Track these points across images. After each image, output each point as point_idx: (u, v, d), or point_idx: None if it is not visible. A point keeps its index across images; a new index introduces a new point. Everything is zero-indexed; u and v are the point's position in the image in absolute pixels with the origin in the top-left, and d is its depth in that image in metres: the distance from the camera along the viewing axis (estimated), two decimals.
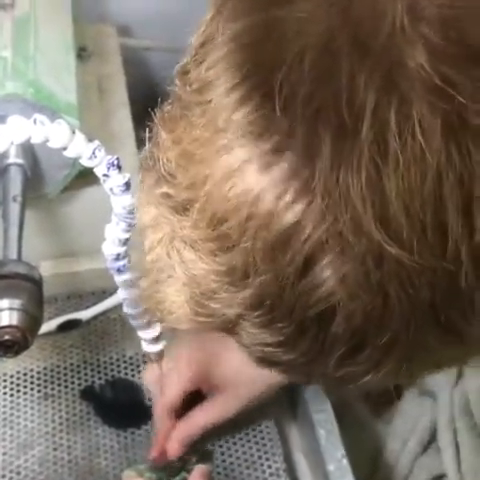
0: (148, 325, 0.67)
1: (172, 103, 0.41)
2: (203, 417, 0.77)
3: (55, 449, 0.81)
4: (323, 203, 0.34)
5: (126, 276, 0.65)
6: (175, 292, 0.41)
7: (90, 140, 0.61)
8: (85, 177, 0.88)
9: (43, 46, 0.85)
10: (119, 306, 0.91)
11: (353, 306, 0.35)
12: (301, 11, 0.35)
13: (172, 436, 0.77)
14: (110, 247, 0.64)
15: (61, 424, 0.83)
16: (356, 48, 0.34)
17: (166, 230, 0.40)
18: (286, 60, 0.35)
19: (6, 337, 0.66)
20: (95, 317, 0.92)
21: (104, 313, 0.92)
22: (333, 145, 0.34)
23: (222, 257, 0.37)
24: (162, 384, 0.76)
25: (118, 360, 0.88)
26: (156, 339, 0.68)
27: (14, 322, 0.66)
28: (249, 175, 0.36)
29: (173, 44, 1.18)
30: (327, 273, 0.35)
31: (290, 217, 0.35)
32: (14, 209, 0.75)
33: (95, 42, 1.05)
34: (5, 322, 0.66)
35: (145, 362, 0.87)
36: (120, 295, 0.66)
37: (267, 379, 0.78)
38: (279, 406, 0.82)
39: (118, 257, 0.64)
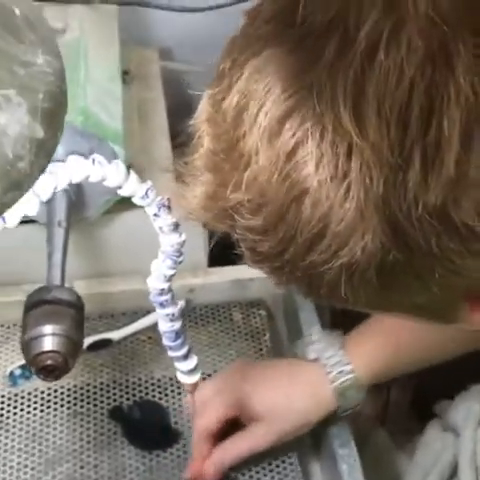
0: (185, 357, 0.70)
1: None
2: (239, 445, 0.80)
3: (82, 467, 0.83)
4: (314, 96, 0.41)
5: (168, 310, 0.68)
6: (199, 183, 0.47)
7: (143, 180, 0.64)
8: (124, 202, 0.90)
9: (92, 72, 0.88)
10: (149, 328, 0.94)
11: (320, 192, 0.41)
12: None
13: (208, 461, 0.79)
14: (155, 282, 0.66)
15: (89, 442, 0.85)
16: None
17: (206, 128, 0.47)
18: None
19: (48, 362, 0.69)
20: (125, 338, 0.94)
21: (134, 334, 0.94)
22: (335, 49, 0.41)
23: (235, 144, 0.44)
24: (202, 409, 0.79)
25: (146, 382, 0.90)
26: (192, 371, 0.70)
27: (56, 347, 0.69)
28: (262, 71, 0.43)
29: (214, 64, 1.20)
30: (307, 158, 0.41)
31: (286, 106, 0.42)
32: (59, 234, 0.78)
33: (137, 66, 1.07)
34: (48, 347, 0.69)
35: (172, 385, 0.89)
36: (160, 328, 0.69)
37: (305, 415, 0.81)
38: (302, 439, 0.84)
39: (162, 292, 0.66)
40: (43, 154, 0.34)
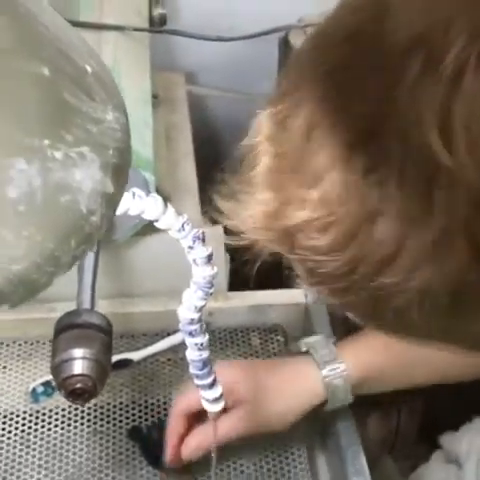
0: (211, 386, 0.71)
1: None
2: (219, 426, 0.78)
3: None
4: (398, 115, 0.40)
5: (197, 340, 0.69)
6: (255, 201, 0.46)
7: (179, 213, 0.65)
8: (148, 225, 0.92)
9: (125, 98, 0.89)
10: (169, 350, 0.96)
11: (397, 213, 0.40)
12: None
13: (188, 439, 0.81)
14: (185, 312, 0.68)
15: (107, 461, 0.87)
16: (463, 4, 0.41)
17: (266, 146, 0.46)
18: None
19: (78, 385, 0.71)
20: (145, 359, 0.96)
21: (154, 355, 0.96)
22: (420, 69, 0.40)
23: (304, 163, 0.43)
24: (187, 389, 0.81)
25: (165, 403, 0.92)
26: (217, 400, 0.72)
27: (86, 371, 0.70)
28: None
29: (238, 91, 1.23)
30: (383, 178, 0.40)
31: (363, 125, 0.41)
32: (89, 258, 0.80)
33: (164, 89, 1.09)
34: (78, 371, 0.70)
35: None
36: (188, 356, 0.70)
37: (289, 406, 0.83)
38: (311, 435, 0.88)
39: (192, 322, 0.68)
40: (112, 207, 0.36)
